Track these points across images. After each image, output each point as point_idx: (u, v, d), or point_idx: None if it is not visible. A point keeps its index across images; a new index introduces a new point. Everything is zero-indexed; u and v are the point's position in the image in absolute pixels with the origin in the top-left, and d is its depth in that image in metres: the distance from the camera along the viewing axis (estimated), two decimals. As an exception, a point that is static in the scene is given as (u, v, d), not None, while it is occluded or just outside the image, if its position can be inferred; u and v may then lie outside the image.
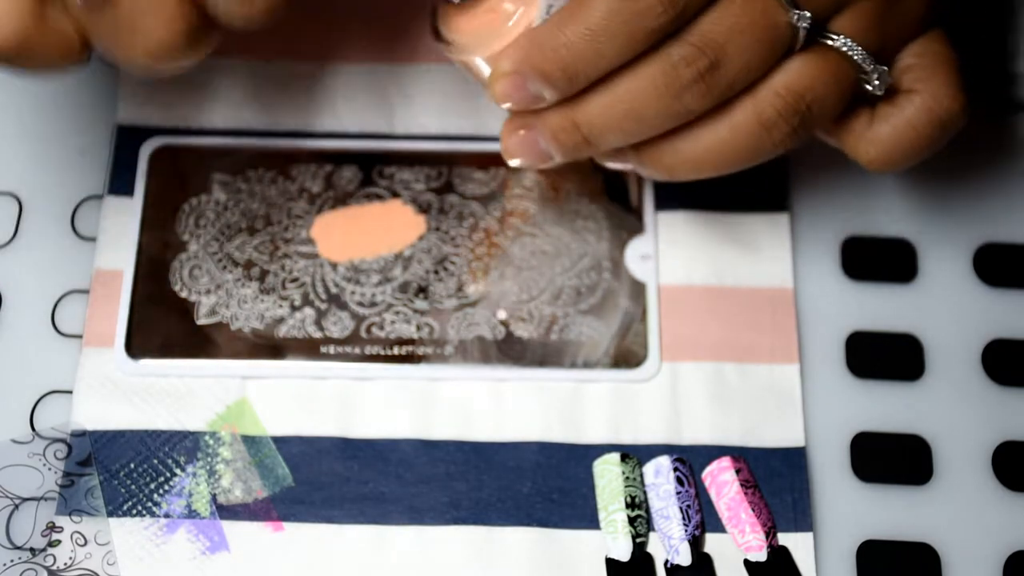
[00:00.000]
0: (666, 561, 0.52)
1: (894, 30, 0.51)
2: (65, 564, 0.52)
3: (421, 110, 0.60)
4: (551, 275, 0.56)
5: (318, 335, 0.55)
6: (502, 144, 0.53)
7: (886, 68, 0.51)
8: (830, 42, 0.50)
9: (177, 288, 0.56)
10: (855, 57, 0.50)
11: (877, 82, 0.51)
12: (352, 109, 0.60)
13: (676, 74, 0.49)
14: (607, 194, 0.58)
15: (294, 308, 0.56)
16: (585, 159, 0.53)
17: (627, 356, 0.55)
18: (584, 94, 0.50)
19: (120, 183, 0.58)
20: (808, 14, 0.49)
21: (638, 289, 0.56)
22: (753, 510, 0.52)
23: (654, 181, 0.58)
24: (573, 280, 0.56)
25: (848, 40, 0.50)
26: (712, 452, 0.53)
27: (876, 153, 0.52)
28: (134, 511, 0.52)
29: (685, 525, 0.52)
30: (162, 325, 0.55)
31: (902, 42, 0.52)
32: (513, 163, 0.53)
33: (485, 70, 0.51)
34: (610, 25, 0.48)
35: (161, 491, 0.53)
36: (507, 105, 0.51)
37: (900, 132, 0.51)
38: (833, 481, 0.54)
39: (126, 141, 0.59)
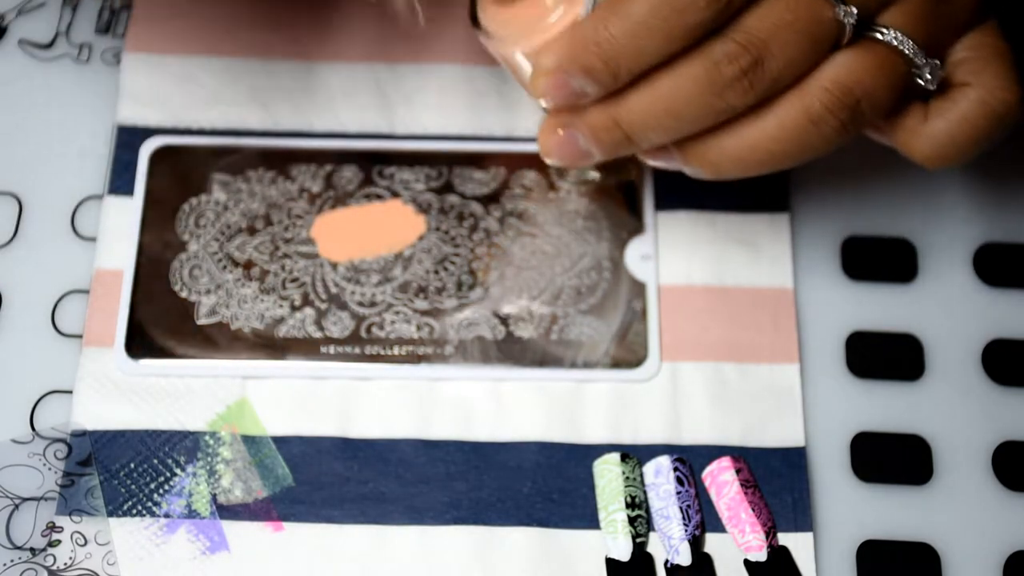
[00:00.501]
0: (666, 561, 0.52)
1: (945, 23, 0.50)
2: (65, 564, 0.52)
3: (421, 110, 0.60)
4: (551, 275, 0.56)
5: (318, 335, 0.55)
6: (540, 143, 0.53)
7: (938, 62, 0.50)
8: (879, 36, 0.49)
9: (177, 288, 0.56)
10: (905, 51, 0.49)
11: (929, 76, 0.50)
12: (352, 109, 0.59)
13: (719, 71, 0.48)
14: (607, 194, 0.58)
15: (294, 308, 0.56)
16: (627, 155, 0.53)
17: (627, 356, 0.55)
18: (625, 91, 0.50)
19: (120, 183, 0.58)
20: (854, 10, 0.48)
21: (638, 289, 0.56)
22: (753, 510, 0.52)
23: (654, 181, 0.58)
24: (573, 280, 0.56)
25: (898, 33, 0.49)
26: (712, 452, 0.53)
27: (931, 150, 0.51)
28: (134, 511, 0.52)
29: (685, 525, 0.52)
30: (162, 325, 0.55)
31: (954, 35, 0.51)
32: (551, 163, 0.53)
33: (523, 64, 0.51)
34: (652, 20, 0.48)
35: (161, 491, 0.53)
36: (547, 103, 0.51)
37: (955, 127, 0.50)
38: (833, 481, 0.54)
39: (126, 141, 0.59)
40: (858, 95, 0.49)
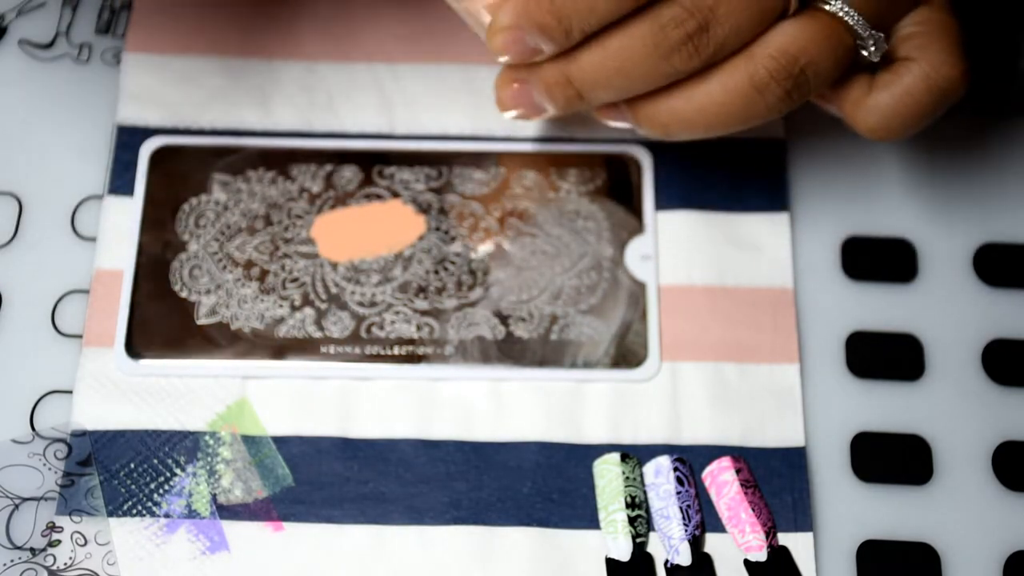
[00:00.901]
0: (666, 561, 0.52)
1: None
2: (65, 564, 0.52)
3: (421, 110, 0.60)
4: (551, 275, 0.56)
5: (318, 335, 0.55)
6: (497, 95, 0.53)
7: (883, 35, 0.51)
8: (826, 7, 0.50)
9: (177, 288, 0.56)
10: (850, 22, 0.50)
11: (873, 48, 0.51)
12: (352, 109, 0.59)
13: (665, 35, 0.49)
14: (607, 194, 0.58)
15: (294, 308, 0.56)
16: (583, 111, 0.54)
17: (627, 356, 0.55)
18: (578, 49, 0.51)
19: (120, 183, 0.58)
20: None
21: (638, 289, 0.56)
22: (753, 510, 0.52)
23: (654, 181, 0.58)
24: (573, 280, 0.56)
25: (843, 5, 0.50)
26: (712, 452, 0.53)
27: (875, 121, 0.52)
28: (134, 511, 0.52)
29: (685, 525, 0.52)
30: (162, 325, 0.55)
31: (902, 9, 0.52)
32: (508, 115, 0.54)
33: (484, 19, 0.51)
34: None
35: (161, 491, 0.53)
36: (505, 58, 0.51)
37: (898, 100, 0.51)
38: (833, 481, 0.54)
39: (126, 141, 0.59)
40: (802, 64, 0.50)
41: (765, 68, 0.50)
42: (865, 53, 0.51)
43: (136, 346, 0.55)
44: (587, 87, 0.51)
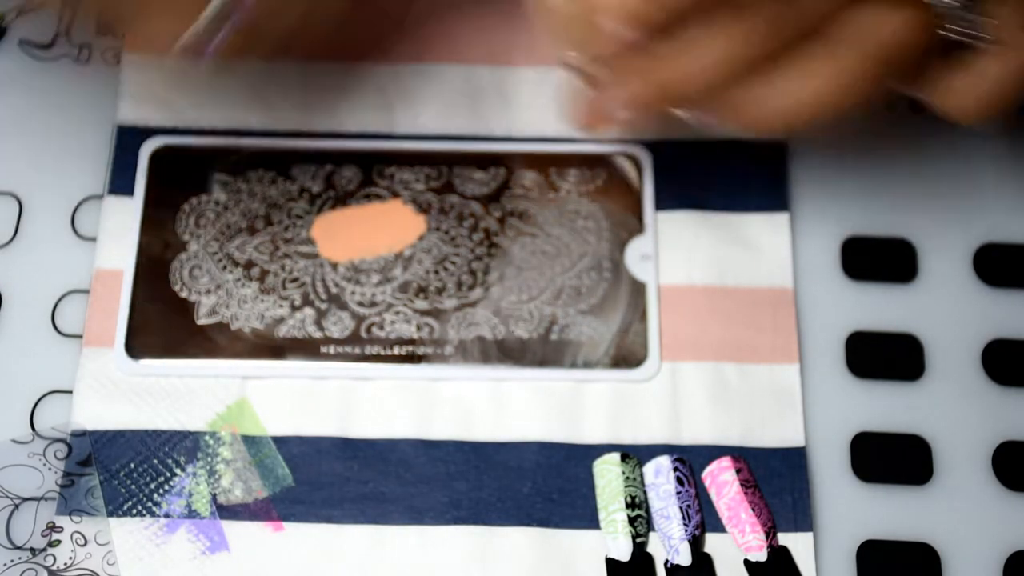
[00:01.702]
0: (666, 561, 0.52)
1: None
2: (65, 564, 0.52)
3: (421, 110, 0.60)
4: (551, 275, 0.56)
5: (318, 335, 0.55)
6: (581, 119, 0.53)
7: (974, 17, 0.49)
8: None
9: (177, 288, 0.56)
10: (935, 3, 0.49)
11: (961, 30, 0.49)
12: (352, 109, 0.59)
13: (746, 16, 0.48)
14: (607, 194, 0.58)
15: (294, 308, 0.56)
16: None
17: (627, 356, 0.55)
18: (660, 47, 0.49)
19: (120, 183, 0.58)
20: None
21: (638, 289, 0.56)
22: (753, 510, 0.52)
23: (655, 180, 0.58)
24: (573, 280, 0.56)
25: None
26: (712, 452, 0.53)
27: (964, 104, 0.50)
28: (134, 511, 0.52)
29: (685, 525, 0.52)
30: (162, 325, 0.55)
31: None
32: (585, 131, 0.55)
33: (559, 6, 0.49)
34: None
35: (161, 491, 0.53)
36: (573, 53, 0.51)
37: (989, 82, 0.50)
38: (833, 481, 0.54)
39: (126, 141, 0.58)
40: (886, 46, 0.49)
41: (849, 51, 0.49)
42: (952, 36, 0.49)
43: (136, 346, 0.55)
44: (674, 85, 0.50)
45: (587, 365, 0.55)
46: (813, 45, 0.49)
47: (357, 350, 0.55)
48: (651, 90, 0.50)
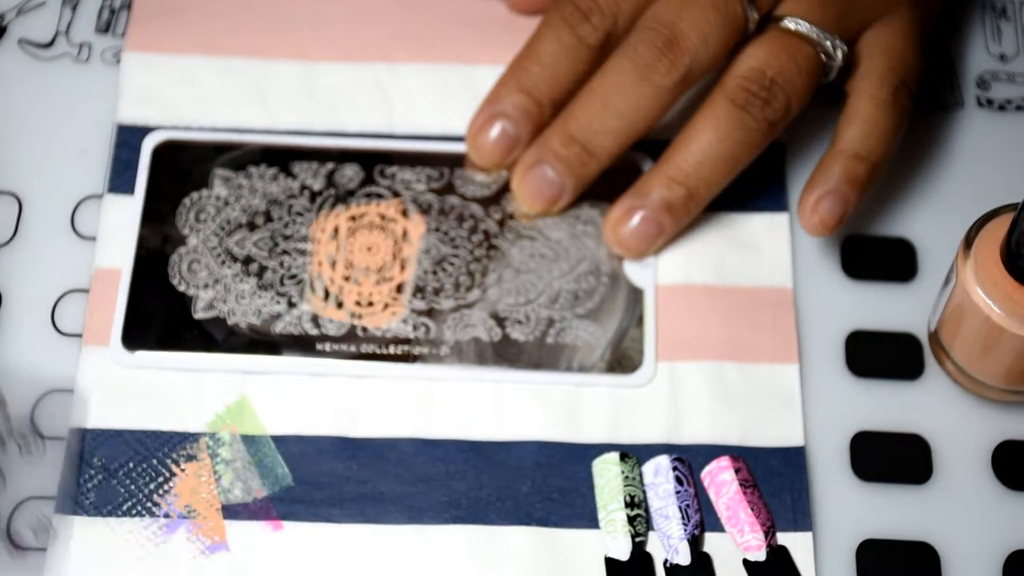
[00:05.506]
0: (665, 560, 0.52)
1: (848, 11, 0.55)
2: (64, 563, 0.52)
3: (421, 110, 0.60)
4: (549, 278, 0.56)
5: (314, 332, 0.55)
6: (517, 194, 0.57)
7: (838, 39, 0.54)
8: (781, 24, 0.54)
9: (175, 282, 0.56)
10: (804, 31, 0.54)
11: (834, 51, 0.54)
12: (352, 109, 0.60)
13: (638, 55, 0.53)
14: (606, 199, 0.58)
15: (291, 305, 0.56)
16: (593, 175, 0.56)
17: (622, 362, 0.55)
18: (568, 105, 0.55)
19: (120, 182, 0.58)
20: None
21: (635, 295, 0.56)
22: (752, 510, 0.52)
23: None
24: (571, 284, 0.56)
25: (796, 19, 0.54)
26: (711, 451, 0.53)
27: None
28: (134, 511, 0.52)
29: (684, 524, 0.52)
30: (160, 318, 0.55)
31: (856, 24, 0.55)
32: (532, 209, 0.57)
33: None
34: (556, 54, 0.55)
35: (161, 491, 0.53)
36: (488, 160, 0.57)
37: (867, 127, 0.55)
38: (833, 481, 0.54)
39: (126, 140, 0.59)
40: (771, 75, 0.53)
41: (739, 87, 0.53)
42: (825, 57, 0.54)
43: (133, 338, 0.55)
44: (588, 134, 0.54)
45: (583, 369, 0.55)
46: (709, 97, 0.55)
47: (353, 348, 0.55)
48: (563, 138, 0.55)
